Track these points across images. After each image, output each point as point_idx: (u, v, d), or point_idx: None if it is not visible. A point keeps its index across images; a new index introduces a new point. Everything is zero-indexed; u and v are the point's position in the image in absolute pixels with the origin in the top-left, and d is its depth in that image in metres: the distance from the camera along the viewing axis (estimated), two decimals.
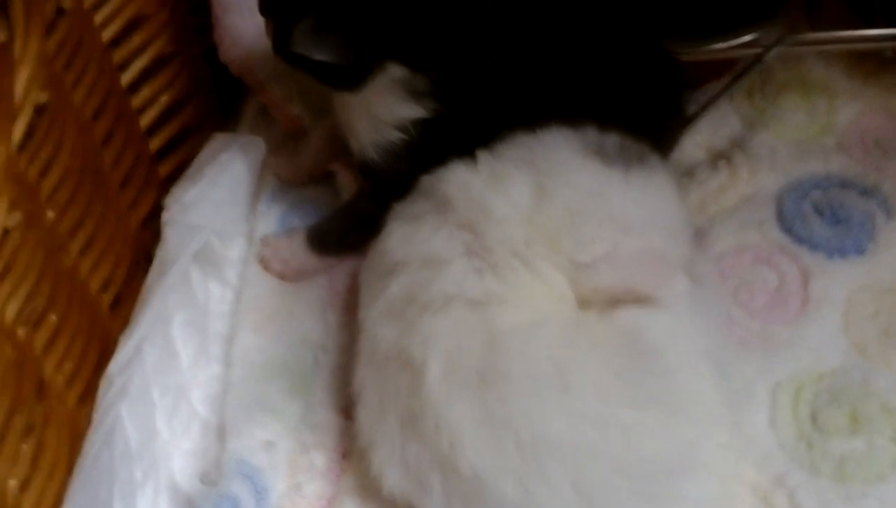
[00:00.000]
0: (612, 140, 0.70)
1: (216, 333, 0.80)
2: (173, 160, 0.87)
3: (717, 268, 0.77)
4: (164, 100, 0.85)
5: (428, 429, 0.63)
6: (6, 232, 0.60)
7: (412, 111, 0.73)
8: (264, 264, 0.82)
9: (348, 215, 0.81)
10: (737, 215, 0.80)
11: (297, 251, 0.82)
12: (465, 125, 0.74)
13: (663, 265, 0.66)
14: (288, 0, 0.71)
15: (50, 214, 0.67)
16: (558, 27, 0.76)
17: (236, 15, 0.90)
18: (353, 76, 0.71)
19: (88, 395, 0.70)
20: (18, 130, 0.62)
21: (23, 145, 0.63)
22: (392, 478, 0.65)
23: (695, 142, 0.86)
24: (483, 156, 0.70)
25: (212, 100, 0.91)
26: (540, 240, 0.66)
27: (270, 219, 0.85)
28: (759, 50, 0.84)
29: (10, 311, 0.61)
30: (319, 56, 0.68)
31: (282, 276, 0.82)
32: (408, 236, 0.69)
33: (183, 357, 0.78)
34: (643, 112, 0.78)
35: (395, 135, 0.74)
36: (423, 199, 0.71)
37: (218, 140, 0.85)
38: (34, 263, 0.63)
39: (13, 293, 0.62)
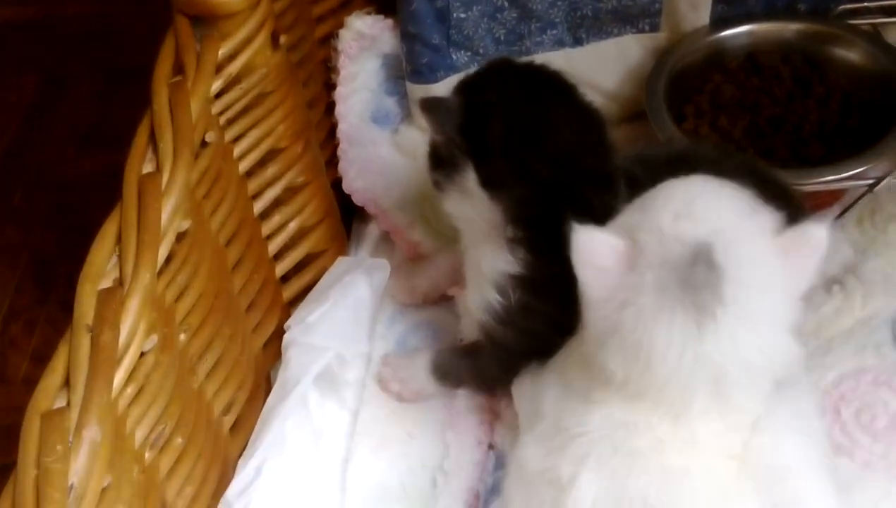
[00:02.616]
0: None
1: (333, 456, 0.80)
2: (297, 284, 0.89)
3: (837, 392, 0.78)
4: (292, 227, 0.87)
5: None
6: (142, 354, 0.62)
7: (508, 265, 0.73)
8: (383, 384, 0.83)
9: (472, 361, 0.80)
10: (853, 338, 0.81)
11: (417, 374, 0.82)
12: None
13: None
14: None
15: (182, 337, 0.69)
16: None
17: (360, 148, 0.95)
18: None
19: None
20: (160, 256, 0.65)
21: (161, 270, 0.66)
22: None
23: None
24: None
25: (337, 226, 0.93)
26: None
27: (389, 340, 0.86)
28: (868, 181, 0.85)
29: (140, 435, 0.63)
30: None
31: (399, 397, 0.82)
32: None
33: (297, 480, 0.78)
34: None
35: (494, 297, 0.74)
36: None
37: (342, 263, 0.87)
38: (165, 386, 0.65)
39: (144, 416, 0.63)
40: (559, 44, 0.96)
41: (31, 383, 0.56)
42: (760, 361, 0.58)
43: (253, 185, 0.82)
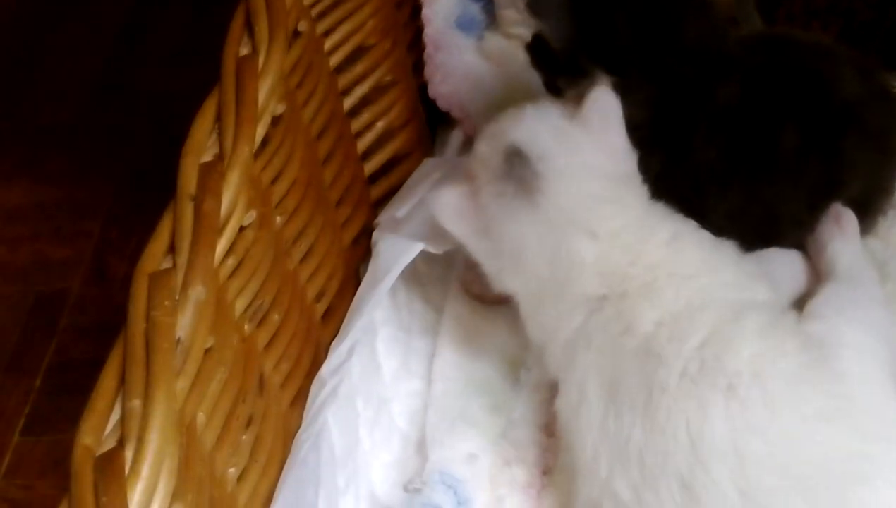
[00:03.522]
0: None
1: (418, 350, 0.82)
2: (384, 184, 0.90)
3: None
4: (380, 126, 0.88)
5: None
6: (242, 229, 0.64)
7: None
8: (465, 286, 0.83)
9: None
10: None
11: None
12: None
13: None
14: None
15: (278, 219, 0.71)
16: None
17: (446, 53, 0.95)
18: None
19: (300, 398, 0.72)
20: (258, 137, 0.66)
21: (258, 152, 0.67)
22: None
23: None
24: None
25: (423, 129, 0.94)
26: None
27: None
28: None
29: (240, 306, 0.65)
30: None
31: (481, 299, 0.83)
32: None
33: (385, 370, 0.80)
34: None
35: None
36: None
37: (429, 163, 0.88)
38: (263, 263, 0.67)
39: (244, 289, 0.65)
40: None
41: (129, 283, 0.58)
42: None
43: (343, 81, 0.83)
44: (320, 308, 0.78)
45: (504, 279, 0.69)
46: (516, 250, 0.67)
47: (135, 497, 0.49)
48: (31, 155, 1.16)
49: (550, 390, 0.76)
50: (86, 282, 1.01)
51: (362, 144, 0.87)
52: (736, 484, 0.58)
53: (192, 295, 0.57)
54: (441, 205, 0.69)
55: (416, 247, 0.81)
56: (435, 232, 0.84)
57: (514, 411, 0.76)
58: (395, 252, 0.80)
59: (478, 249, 0.70)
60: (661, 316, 0.62)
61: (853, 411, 0.60)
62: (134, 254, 0.59)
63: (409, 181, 0.87)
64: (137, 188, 1.10)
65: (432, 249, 0.82)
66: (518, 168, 0.66)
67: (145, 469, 0.49)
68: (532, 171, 0.66)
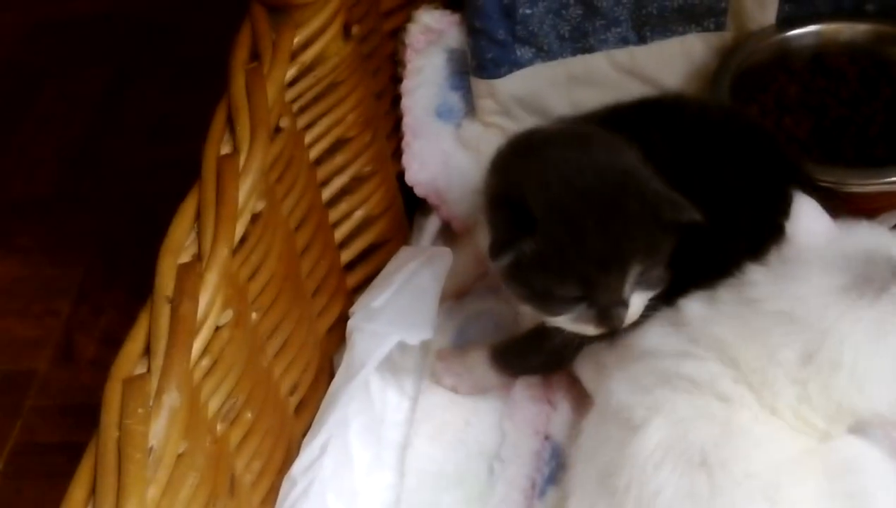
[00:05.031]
0: None
1: (391, 442, 0.81)
2: (361, 271, 0.90)
3: None
4: (358, 215, 0.89)
5: (621, 486, 0.64)
6: (217, 328, 0.64)
7: None
8: (436, 378, 0.84)
9: (537, 341, 0.81)
10: None
11: (474, 367, 0.83)
12: None
13: None
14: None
15: (254, 315, 0.70)
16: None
17: (424, 141, 0.96)
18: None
19: (270, 497, 0.71)
20: (237, 234, 0.66)
21: (237, 249, 0.67)
22: None
23: None
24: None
25: (401, 217, 0.95)
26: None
27: (448, 331, 0.87)
28: None
29: (213, 406, 0.64)
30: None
31: (454, 390, 0.83)
32: (667, 334, 0.70)
33: (357, 463, 0.79)
34: None
35: None
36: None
37: (406, 252, 0.88)
38: (238, 361, 0.66)
39: (217, 389, 0.65)
40: (623, 41, 0.96)
41: (97, 364, 0.57)
42: None
43: (322, 173, 0.84)
44: (294, 401, 0.78)
45: None
46: None
47: None
48: (0, 230, 1.15)
49: (527, 481, 0.77)
50: (53, 363, 0.99)
51: (340, 233, 0.88)
52: None
53: (167, 401, 0.56)
54: None
55: (392, 339, 0.81)
56: (410, 322, 0.85)
57: (488, 505, 0.76)
58: (371, 344, 0.80)
59: None
60: None
61: None
62: (103, 335, 0.58)
63: (386, 270, 0.87)
64: (109, 264, 1.09)
65: (408, 340, 0.82)
66: None
67: None
68: None
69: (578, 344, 0.75)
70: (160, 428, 0.55)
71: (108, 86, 1.30)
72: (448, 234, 0.95)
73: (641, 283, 0.70)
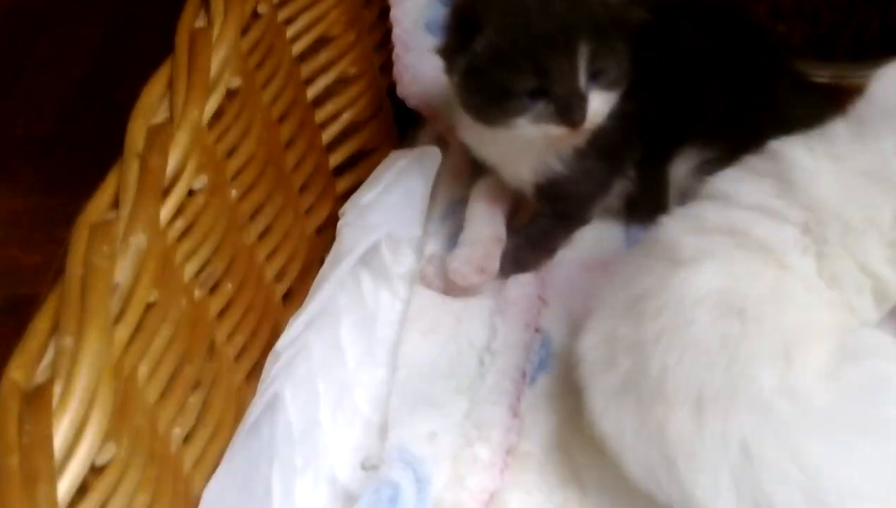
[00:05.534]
0: None
1: (383, 339, 0.81)
2: (350, 177, 0.90)
3: None
4: (345, 118, 0.89)
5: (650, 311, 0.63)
6: (192, 193, 0.64)
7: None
8: (426, 282, 0.83)
9: (528, 237, 0.82)
10: None
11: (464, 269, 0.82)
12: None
13: None
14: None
15: (233, 193, 0.71)
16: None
17: (415, 55, 0.95)
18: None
19: (255, 374, 0.71)
20: (210, 106, 0.67)
21: (213, 123, 0.68)
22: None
23: None
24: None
25: (390, 126, 0.94)
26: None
27: (441, 237, 0.87)
28: None
29: (189, 270, 0.64)
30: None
31: (444, 292, 0.83)
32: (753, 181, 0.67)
33: (349, 357, 0.79)
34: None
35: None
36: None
37: (396, 155, 0.88)
38: (216, 230, 0.67)
39: (194, 254, 0.65)
40: None
41: None
42: None
43: (306, 70, 0.84)
44: (281, 289, 0.78)
45: None
46: None
47: (61, 429, 0.48)
48: (4, 166, 1.16)
49: (517, 371, 0.76)
50: None
51: (327, 135, 0.88)
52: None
53: (133, 242, 0.56)
54: None
55: (380, 231, 0.81)
56: (399, 217, 0.84)
57: (478, 393, 0.75)
58: (359, 236, 0.80)
59: None
60: None
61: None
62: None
63: (376, 171, 0.87)
64: None
65: (397, 234, 0.82)
66: None
67: (74, 404, 0.48)
68: None
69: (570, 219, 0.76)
70: (126, 267, 0.55)
71: (110, 25, 1.32)
72: (441, 147, 0.95)
73: (598, 78, 0.71)
